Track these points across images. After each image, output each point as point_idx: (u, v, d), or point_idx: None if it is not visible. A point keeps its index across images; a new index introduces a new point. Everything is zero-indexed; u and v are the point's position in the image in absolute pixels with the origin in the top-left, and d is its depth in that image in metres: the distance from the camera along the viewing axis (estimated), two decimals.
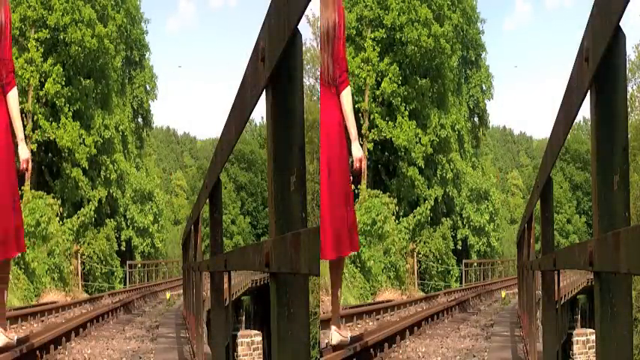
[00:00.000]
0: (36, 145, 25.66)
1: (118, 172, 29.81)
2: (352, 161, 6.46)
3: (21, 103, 6.17)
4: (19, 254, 5.95)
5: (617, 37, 2.28)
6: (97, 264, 28.45)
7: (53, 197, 25.06)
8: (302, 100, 2.40)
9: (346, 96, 6.25)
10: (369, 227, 24.24)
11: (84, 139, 27.27)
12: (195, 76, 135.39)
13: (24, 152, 5.77)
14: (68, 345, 9.47)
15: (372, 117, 27.59)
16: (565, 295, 19.99)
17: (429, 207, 29.09)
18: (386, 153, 28.52)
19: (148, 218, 34.09)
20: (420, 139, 28.22)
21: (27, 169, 5.78)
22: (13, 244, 5.74)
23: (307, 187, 2.49)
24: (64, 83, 26.52)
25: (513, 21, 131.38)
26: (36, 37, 25.86)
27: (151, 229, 34.38)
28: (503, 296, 21.52)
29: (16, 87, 5.73)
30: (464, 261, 32.81)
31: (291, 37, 2.22)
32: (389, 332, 9.49)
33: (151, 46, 42.36)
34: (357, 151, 6.37)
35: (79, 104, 27.15)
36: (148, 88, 36.63)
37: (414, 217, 28.50)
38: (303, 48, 2.49)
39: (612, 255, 1.97)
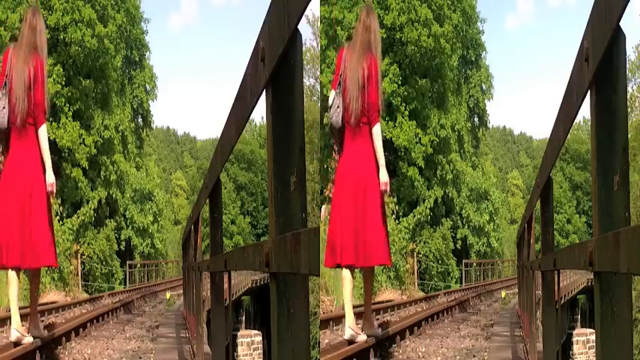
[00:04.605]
0: None
1: (118, 172, 29.79)
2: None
3: None
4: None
5: (617, 37, 2.28)
6: (97, 264, 28.45)
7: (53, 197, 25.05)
8: (302, 100, 2.40)
9: (377, 132, 6.76)
10: None
11: (84, 139, 27.27)
12: (195, 76, 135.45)
13: (50, 177, 6.53)
14: (68, 345, 9.47)
15: None
16: (565, 295, 19.98)
17: (429, 207, 29.08)
18: (386, 153, 28.40)
19: (147, 218, 34.09)
20: (420, 139, 28.20)
21: (52, 192, 6.53)
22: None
23: (307, 187, 2.49)
24: (64, 83, 26.51)
25: (515, 20, 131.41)
26: None
27: (150, 229, 34.39)
28: (503, 296, 21.51)
29: (45, 124, 6.73)
30: (464, 261, 32.79)
31: (291, 37, 2.22)
32: (389, 332, 9.49)
33: (153, 45, 42.26)
34: (384, 177, 6.91)
35: (79, 104, 27.14)
36: (147, 88, 36.62)
37: (414, 217, 28.49)
38: (303, 48, 2.49)
39: (612, 255, 1.97)
